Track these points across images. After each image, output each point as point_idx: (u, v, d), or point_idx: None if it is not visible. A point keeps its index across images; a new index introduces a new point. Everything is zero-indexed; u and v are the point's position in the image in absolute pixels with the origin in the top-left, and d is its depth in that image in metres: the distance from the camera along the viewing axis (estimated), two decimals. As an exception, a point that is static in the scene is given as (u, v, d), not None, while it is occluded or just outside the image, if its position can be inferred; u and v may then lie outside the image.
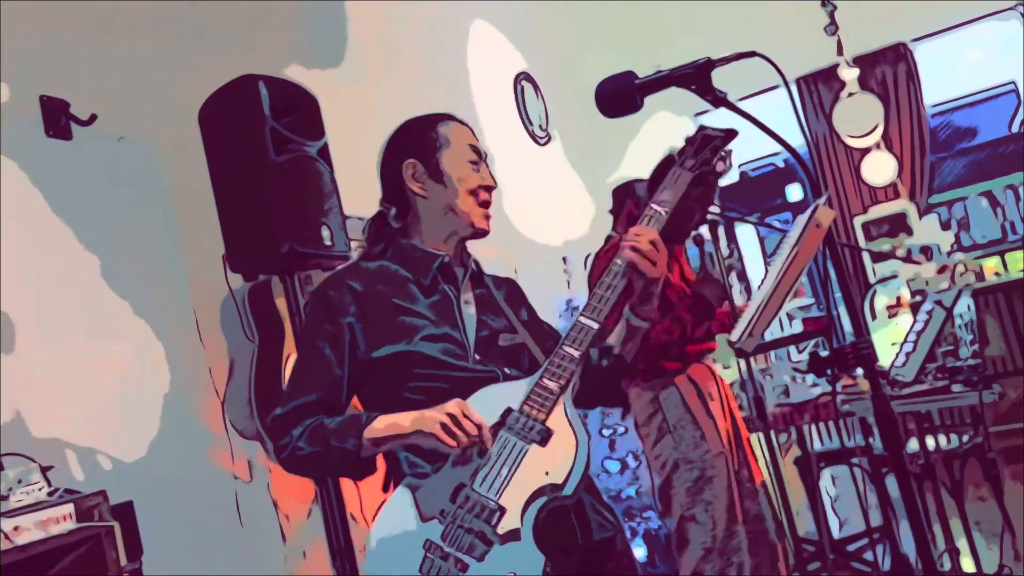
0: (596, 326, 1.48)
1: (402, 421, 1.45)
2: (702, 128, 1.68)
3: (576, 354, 1.46)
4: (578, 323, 1.49)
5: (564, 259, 4.74)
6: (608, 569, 1.58)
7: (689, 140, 1.66)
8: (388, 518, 1.44)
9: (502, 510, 1.37)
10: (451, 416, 1.39)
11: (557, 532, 1.45)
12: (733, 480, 2.76)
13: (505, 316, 1.65)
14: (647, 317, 1.62)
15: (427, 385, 1.51)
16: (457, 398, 1.43)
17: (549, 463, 1.39)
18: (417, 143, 1.63)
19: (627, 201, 3.30)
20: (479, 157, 1.65)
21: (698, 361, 2.89)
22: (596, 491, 1.62)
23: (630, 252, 1.53)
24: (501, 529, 1.36)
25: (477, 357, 1.56)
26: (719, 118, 1.62)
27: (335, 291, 1.57)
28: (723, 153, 1.66)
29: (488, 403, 1.44)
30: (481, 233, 1.64)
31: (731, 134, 1.65)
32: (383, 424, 1.46)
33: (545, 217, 4.80)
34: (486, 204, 1.64)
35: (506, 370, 1.57)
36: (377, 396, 1.56)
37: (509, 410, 1.44)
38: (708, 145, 1.64)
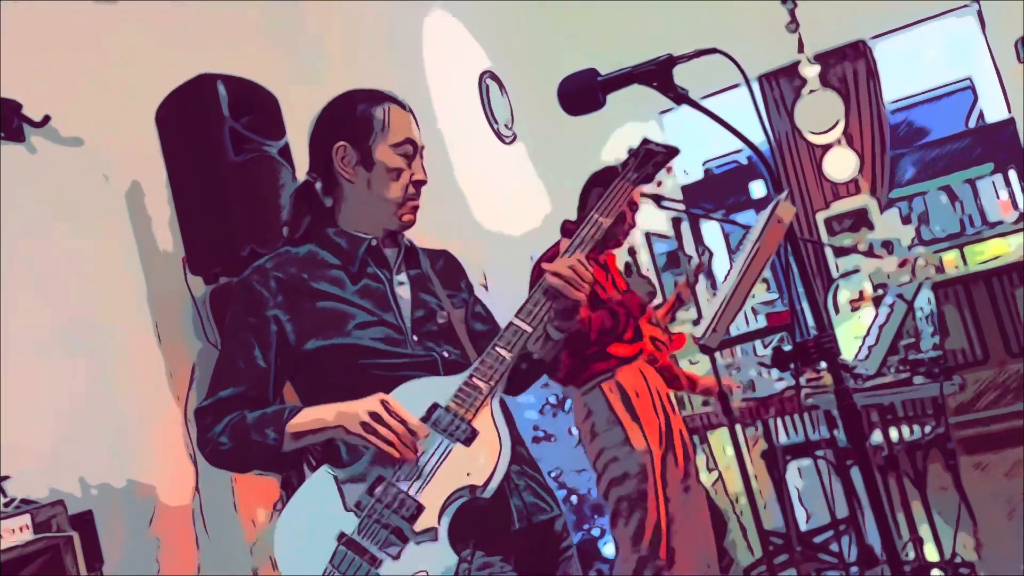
0: (529, 330, 1.49)
1: (325, 415, 1.43)
2: (645, 142, 1.71)
3: (507, 356, 1.46)
4: (511, 325, 1.49)
5: (532, 257, 4.73)
6: (548, 551, 1.58)
7: (633, 153, 1.70)
8: (302, 504, 1.40)
9: (420, 508, 1.35)
10: (373, 415, 1.37)
11: (491, 517, 1.44)
12: (657, 480, 2.83)
13: (436, 294, 1.63)
14: (565, 331, 1.63)
15: (364, 374, 1.49)
16: (380, 393, 1.40)
17: (471, 464, 1.38)
18: (352, 124, 1.58)
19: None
20: (414, 149, 1.61)
21: (628, 362, 2.93)
22: (536, 471, 1.61)
23: (551, 278, 1.51)
24: (418, 527, 1.33)
25: (415, 339, 1.54)
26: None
27: (260, 282, 1.54)
28: (664, 169, 1.71)
29: (414, 398, 1.42)
30: (406, 226, 1.62)
31: (672, 151, 1.70)
32: (306, 418, 1.44)
33: (512, 215, 4.79)
34: (414, 197, 1.61)
35: (446, 352, 1.56)
36: (312, 388, 1.54)
37: (436, 406, 1.42)
38: (651, 160, 1.68)
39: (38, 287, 2.32)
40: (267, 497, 2.69)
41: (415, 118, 1.64)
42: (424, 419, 1.41)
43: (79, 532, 1.94)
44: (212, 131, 2.37)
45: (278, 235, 2.41)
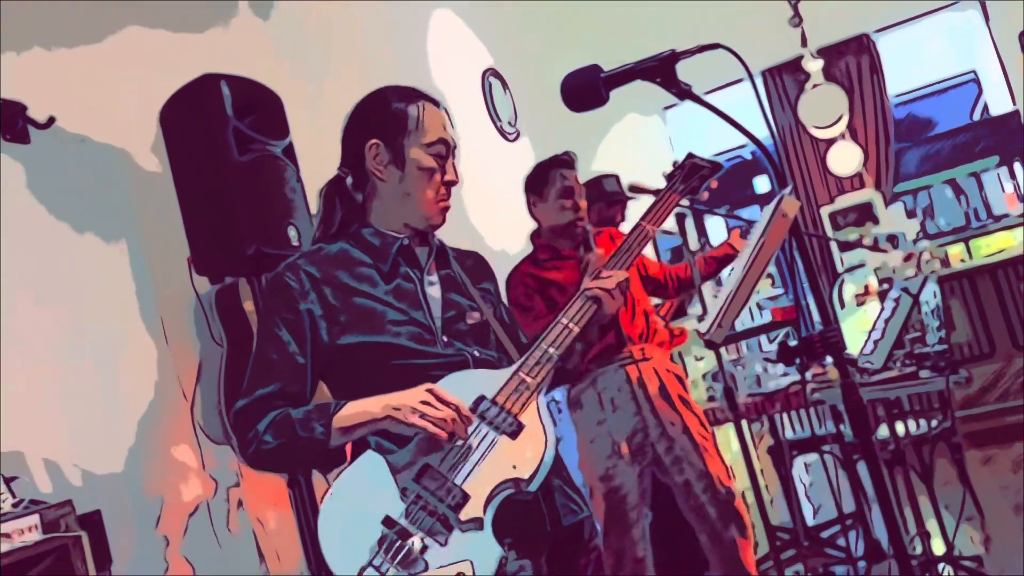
0: (577, 330, 1.53)
1: (372, 408, 1.42)
2: (690, 156, 1.80)
3: (555, 354, 1.48)
4: (559, 323, 1.53)
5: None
6: (578, 553, 1.58)
7: (679, 166, 1.79)
8: (346, 488, 1.40)
9: (466, 496, 1.35)
10: (424, 402, 1.37)
11: (526, 518, 1.45)
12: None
13: (469, 294, 1.63)
14: (589, 341, 1.67)
15: (396, 372, 1.48)
16: (427, 383, 1.41)
17: (517, 457, 1.38)
18: (386, 121, 1.57)
19: (597, 200, 3.38)
20: (447, 149, 1.60)
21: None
22: (567, 474, 1.61)
23: (600, 291, 1.58)
24: (463, 516, 1.34)
25: (445, 339, 1.54)
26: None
27: (292, 278, 1.53)
28: (708, 183, 1.81)
29: (457, 390, 1.42)
30: (435, 226, 1.62)
31: (716, 167, 1.79)
32: (352, 411, 1.43)
33: (514, 212, 4.78)
34: (445, 199, 1.60)
35: (476, 352, 1.55)
36: (344, 384, 1.54)
37: (482, 398, 1.42)
38: (696, 173, 1.77)
39: (44, 287, 2.33)
40: (276, 495, 2.70)
41: (449, 116, 1.62)
42: (471, 409, 1.41)
43: (88, 532, 1.94)
44: (216, 131, 2.38)
45: (283, 235, 2.43)
